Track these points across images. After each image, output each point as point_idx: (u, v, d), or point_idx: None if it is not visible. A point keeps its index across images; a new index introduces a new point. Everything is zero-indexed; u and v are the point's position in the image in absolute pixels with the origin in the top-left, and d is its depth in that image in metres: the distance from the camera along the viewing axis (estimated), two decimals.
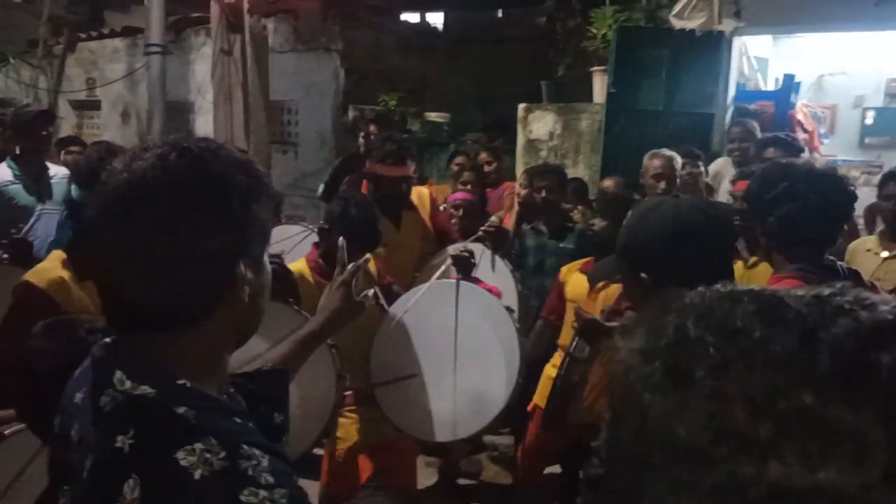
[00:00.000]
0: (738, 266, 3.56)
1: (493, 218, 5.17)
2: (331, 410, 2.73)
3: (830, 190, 2.12)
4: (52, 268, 2.46)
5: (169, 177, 1.02)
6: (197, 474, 0.95)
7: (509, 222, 5.27)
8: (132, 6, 10.38)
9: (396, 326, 3.03)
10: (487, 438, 4.76)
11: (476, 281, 3.15)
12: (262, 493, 0.96)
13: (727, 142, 5.41)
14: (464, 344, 2.95)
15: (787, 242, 2.13)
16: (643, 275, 1.52)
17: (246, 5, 6.43)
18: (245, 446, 1.00)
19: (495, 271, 3.56)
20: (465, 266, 3.15)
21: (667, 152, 4.36)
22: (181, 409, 1.00)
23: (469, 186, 5.08)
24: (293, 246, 3.81)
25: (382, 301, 3.17)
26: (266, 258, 1.14)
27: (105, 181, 1.05)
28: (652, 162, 4.34)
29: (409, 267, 3.75)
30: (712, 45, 5.94)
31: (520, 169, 6.55)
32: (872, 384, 0.47)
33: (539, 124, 6.75)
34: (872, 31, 6.27)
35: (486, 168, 6.09)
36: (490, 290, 3.07)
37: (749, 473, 0.47)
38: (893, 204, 3.73)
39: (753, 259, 3.39)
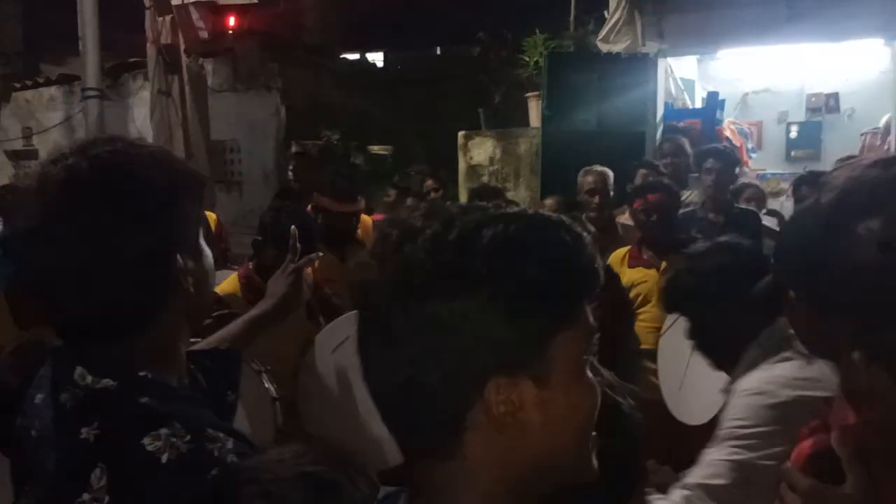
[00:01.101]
0: None
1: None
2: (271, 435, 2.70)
3: None
4: None
5: (84, 188, 1.02)
6: (164, 458, 0.97)
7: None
8: (68, 57, 10.31)
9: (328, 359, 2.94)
10: None
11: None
12: (231, 458, 0.99)
13: (659, 157, 5.60)
14: None
15: None
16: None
17: (182, 45, 6.47)
18: (210, 430, 1.02)
19: None
20: (328, 309, 3.13)
21: (599, 168, 4.50)
22: (144, 399, 1.01)
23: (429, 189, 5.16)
24: None
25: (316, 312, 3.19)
26: (203, 243, 1.15)
27: (20, 197, 1.06)
28: (585, 178, 4.46)
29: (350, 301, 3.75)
30: (639, 67, 6.19)
31: (462, 195, 6.68)
32: (478, 246, 0.73)
33: (479, 150, 6.90)
34: (787, 45, 6.58)
35: (434, 195, 6.21)
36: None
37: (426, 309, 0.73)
38: None
39: None
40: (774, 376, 1.76)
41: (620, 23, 6.13)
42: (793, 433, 1.25)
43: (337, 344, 2.93)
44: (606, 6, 6.38)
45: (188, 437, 0.99)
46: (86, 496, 0.96)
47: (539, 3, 7.49)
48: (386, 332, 0.75)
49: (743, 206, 4.73)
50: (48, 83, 9.58)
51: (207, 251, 1.17)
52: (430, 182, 6.35)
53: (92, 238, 1.01)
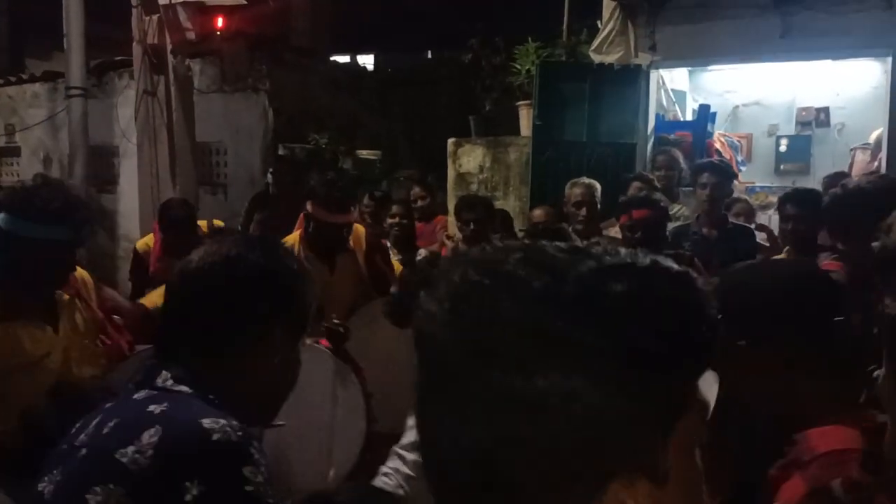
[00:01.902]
0: None
1: (422, 251, 5.21)
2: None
3: None
4: None
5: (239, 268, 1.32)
6: (215, 436, 1.09)
7: (445, 255, 5.31)
8: (54, 53, 10.17)
9: None
10: None
11: (346, 356, 3.01)
12: (260, 478, 1.10)
13: (653, 170, 5.56)
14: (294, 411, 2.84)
15: None
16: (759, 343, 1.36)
17: (169, 46, 6.37)
18: (257, 442, 1.16)
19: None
20: (333, 338, 3.01)
21: (586, 180, 4.46)
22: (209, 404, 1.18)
23: (397, 219, 5.08)
24: None
25: None
26: (299, 352, 1.35)
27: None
28: (573, 191, 4.42)
29: (340, 311, 3.66)
30: (630, 78, 6.16)
31: (451, 202, 6.61)
32: (605, 306, 0.60)
33: (468, 158, 6.84)
34: (780, 62, 6.59)
35: (420, 202, 6.14)
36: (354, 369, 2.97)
37: (516, 384, 0.59)
38: (792, 225, 3.87)
39: None
40: None
41: (613, 33, 6.10)
42: None
43: None
44: (600, 16, 6.36)
45: (240, 433, 1.12)
46: (130, 448, 1.07)
47: (532, 10, 7.45)
48: (460, 407, 0.61)
49: (733, 220, 4.69)
50: (32, 80, 9.44)
51: (299, 362, 1.36)
52: (416, 189, 6.28)
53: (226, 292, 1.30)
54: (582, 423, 0.58)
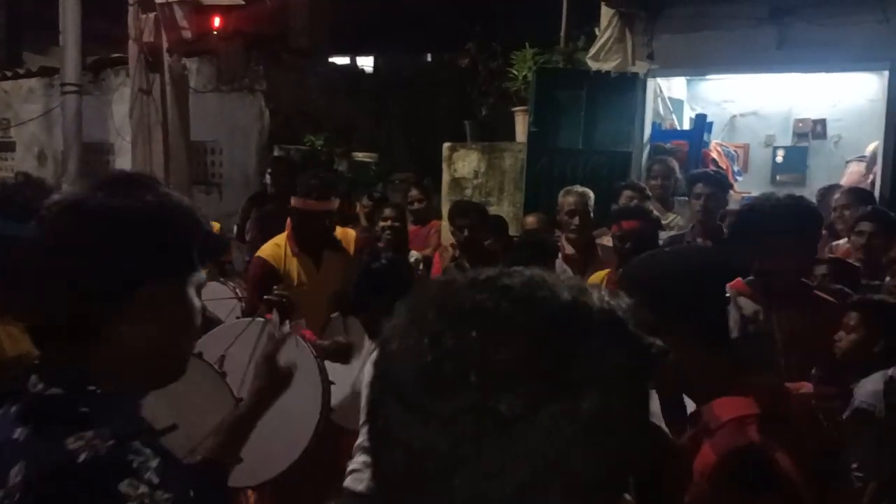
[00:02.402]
0: None
1: (415, 253, 5.19)
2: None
3: None
4: None
5: (80, 205, 1.09)
6: (81, 457, 0.97)
7: (438, 259, 5.29)
8: (51, 47, 10.15)
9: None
10: None
11: (295, 325, 3.10)
12: (143, 488, 0.98)
13: (648, 178, 5.54)
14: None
15: None
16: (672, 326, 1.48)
17: (165, 45, 6.35)
18: (137, 442, 1.02)
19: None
20: (278, 308, 3.03)
21: (579, 189, 4.43)
22: (84, 409, 1.04)
23: (389, 222, 5.08)
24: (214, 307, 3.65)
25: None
26: (191, 292, 1.16)
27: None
28: (566, 199, 4.38)
29: (323, 307, 3.66)
30: (627, 87, 6.14)
31: (445, 207, 6.59)
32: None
33: (463, 163, 6.82)
34: (777, 73, 6.58)
35: (417, 205, 6.13)
36: (302, 335, 3.01)
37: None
38: None
39: None
40: None
41: (611, 41, 6.08)
42: None
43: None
44: (598, 23, 6.34)
45: (111, 443, 1.00)
46: (0, 493, 0.97)
47: (531, 17, 7.44)
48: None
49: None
50: (28, 75, 9.41)
51: (196, 305, 1.17)
52: (414, 192, 6.27)
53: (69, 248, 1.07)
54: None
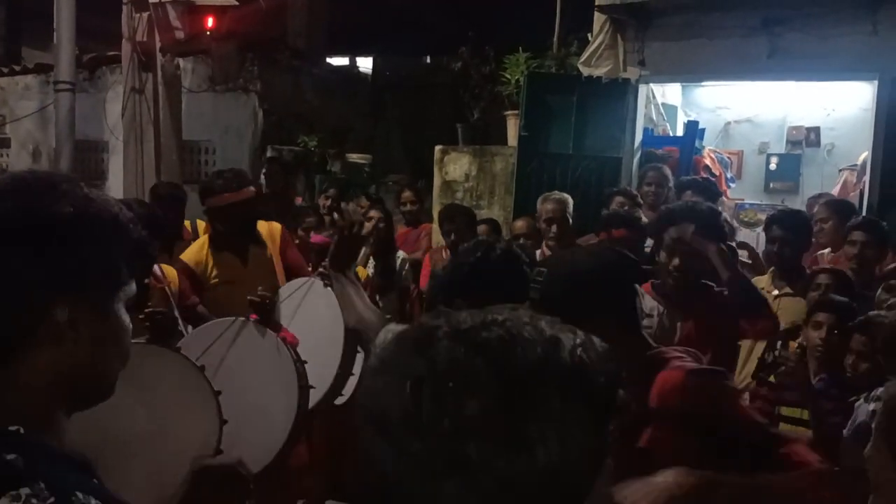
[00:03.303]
0: None
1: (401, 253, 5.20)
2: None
3: None
4: None
5: None
6: None
7: (428, 262, 5.29)
8: (50, 43, 10.15)
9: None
10: None
11: (276, 326, 3.10)
12: None
13: (642, 185, 5.52)
14: (236, 386, 2.86)
15: None
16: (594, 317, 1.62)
17: (158, 44, 6.36)
18: (79, 494, 0.93)
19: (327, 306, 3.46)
20: (261, 310, 3.09)
21: (557, 195, 4.39)
22: (10, 456, 0.93)
23: (375, 223, 5.10)
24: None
25: (181, 326, 3.14)
26: (119, 308, 1.05)
27: None
28: (544, 206, 4.34)
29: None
30: (619, 92, 6.14)
31: (436, 210, 6.59)
32: None
33: (455, 166, 6.82)
34: (767, 82, 6.59)
35: (410, 206, 6.14)
36: (283, 338, 3.03)
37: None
38: (777, 247, 3.86)
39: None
40: None
41: (602, 47, 6.09)
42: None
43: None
44: (591, 29, 6.34)
45: (52, 500, 0.90)
46: None
47: (524, 21, 7.44)
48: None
49: None
50: (24, 72, 9.42)
51: (123, 321, 1.06)
52: (407, 193, 6.29)
53: None
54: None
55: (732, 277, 2.99)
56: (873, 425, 1.21)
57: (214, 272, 3.70)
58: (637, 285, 1.86)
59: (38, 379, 0.99)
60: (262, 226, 3.90)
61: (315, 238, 4.59)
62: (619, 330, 1.61)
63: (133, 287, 1.08)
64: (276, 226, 4.00)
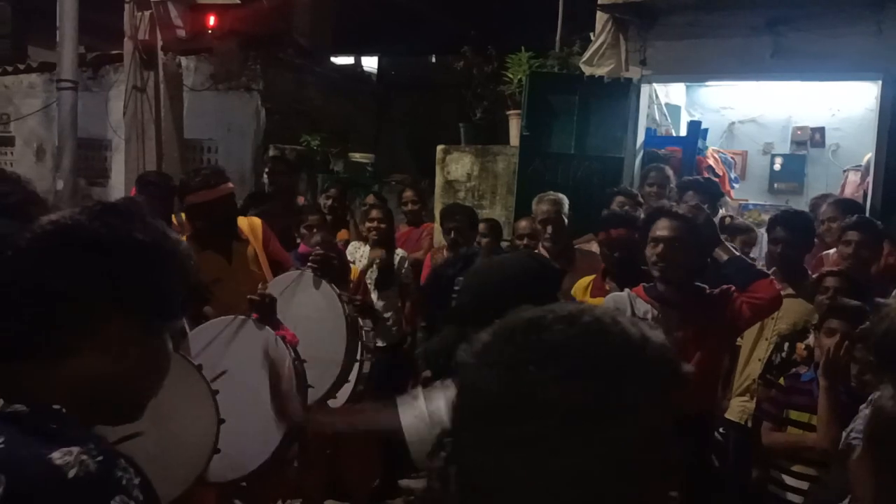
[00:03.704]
0: None
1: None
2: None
3: None
4: None
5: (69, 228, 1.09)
6: (71, 473, 0.94)
7: (429, 262, 5.28)
8: (55, 42, 10.18)
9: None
10: (403, 482, 4.66)
11: (276, 324, 3.09)
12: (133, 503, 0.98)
13: (644, 185, 5.49)
14: (235, 384, 2.84)
15: None
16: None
17: (159, 42, 6.36)
18: (122, 459, 1.01)
19: (322, 296, 3.49)
20: (261, 308, 3.07)
21: (552, 196, 4.34)
22: (54, 425, 1.01)
23: (375, 223, 5.10)
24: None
25: (185, 324, 3.12)
26: (167, 338, 1.15)
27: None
28: (539, 207, 4.30)
29: (243, 300, 3.64)
30: (621, 92, 6.11)
31: (438, 209, 6.58)
32: None
33: (457, 165, 6.81)
34: (771, 81, 6.55)
35: (411, 206, 6.14)
36: (283, 336, 3.01)
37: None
38: (780, 248, 3.83)
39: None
40: None
41: (605, 46, 6.06)
42: None
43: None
44: (594, 28, 6.31)
45: (100, 458, 0.98)
46: None
47: (527, 21, 7.42)
48: None
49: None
50: (28, 70, 9.44)
51: (167, 349, 1.16)
52: (409, 193, 6.30)
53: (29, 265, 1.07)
54: None
55: (733, 258, 3.07)
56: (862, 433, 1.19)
57: (199, 271, 3.66)
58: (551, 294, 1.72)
59: (79, 381, 1.07)
60: (242, 221, 3.89)
61: (302, 249, 4.56)
62: None
63: (180, 323, 1.16)
64: (256, 220, 3.98)
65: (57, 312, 1.05)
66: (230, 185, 3.76)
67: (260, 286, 3.20)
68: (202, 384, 2.61)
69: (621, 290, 3.66)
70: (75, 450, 0.97)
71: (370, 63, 11.68)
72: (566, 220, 4.26)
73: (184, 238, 3.81)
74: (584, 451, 0.72)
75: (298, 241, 4.63)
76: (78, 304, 1.06)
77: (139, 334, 1.09)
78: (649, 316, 2.89)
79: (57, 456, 0.95)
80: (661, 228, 2.96)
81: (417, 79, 10.38)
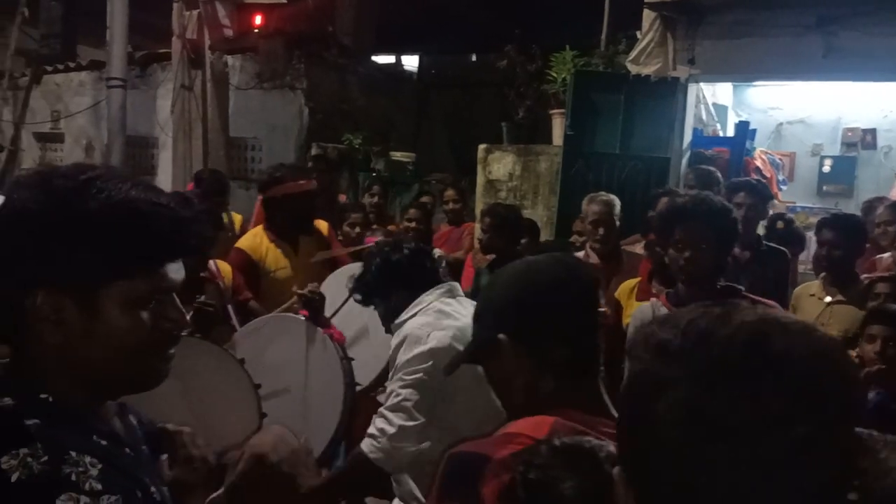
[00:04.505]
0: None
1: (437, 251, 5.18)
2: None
3: None
4: None
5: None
6: (14, 477, 0.95)
7: (470, 262, 5.27)
8: (104, 41, 10.37)
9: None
10: None
11: (325, 322, 3.09)
12: (84, 499, 0.97)
13: (685, 187, 5.41)
14: (282, 383, 2.89)
15: None
16: (501, 336, 1.39)
17: (207, 42, 6.44)
18: (73, 453, 1.00)
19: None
20: (310, 306, 3.07)
21: (604, 197, 4.25)
22: (31, 421, 1.01)
23: (413, 223, 5.10)
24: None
25: (234, 321, 3.14)
26: (113, 304, 1.05)
27: None
28: (590, 207, 4.19)
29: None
30: (668, 91, 6.02)
31: (479, 209, 6.56)
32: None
33: (498, 165, 6.78)
34: (822, 82, 6.41)
35: (452, 205, 6.13)
36: (331, 335, 3.02)
37: None
38: (827, 251, 3.74)
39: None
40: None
41: (652, 45, 5.97)
42: None
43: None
44: (640, 27, 6.23)
45: (44, 459, 0.98)
46: None
47: (571, 19, 7.36)
48: None
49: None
50: (79, 68, 9.64)
51: (123, 320, 1.06)
52: (449, 192, 6.29)
53: None
54: None
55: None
56: None
57: (269, 259, 3.82)
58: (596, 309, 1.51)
59: (42, 362, 1.05)
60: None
61: (368, 240, 4.70)
62: (531, 354, 1.37)
63: (156, 282, 1.07)
64: (323, 222, 4.15)
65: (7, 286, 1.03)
66: (313, 182, 3.93)
67: (310, 285, 3.23)
68: (244, 378, 2.63)
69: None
70: (22, 452, 0.97)
71: (409, 62, 11.72)
72: (618, 222, 4.19)
73: (253, 232, 3.92)
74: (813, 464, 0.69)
75: (340, 238, 4.69)
76: (17, 282, 1.02)
77: (70, 305, 1.02)
78: None
79: (5, 460, 0.96)
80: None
81: (457, 78, 10.39)
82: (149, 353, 1.10)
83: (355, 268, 3.56)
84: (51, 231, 1.02)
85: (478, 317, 1.49)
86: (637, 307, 3.10)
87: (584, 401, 1.36)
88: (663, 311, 2.77)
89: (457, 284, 2.91)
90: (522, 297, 1.41)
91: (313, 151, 7.76)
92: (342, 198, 6.78)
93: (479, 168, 6.87)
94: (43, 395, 1.04)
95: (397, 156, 8.30)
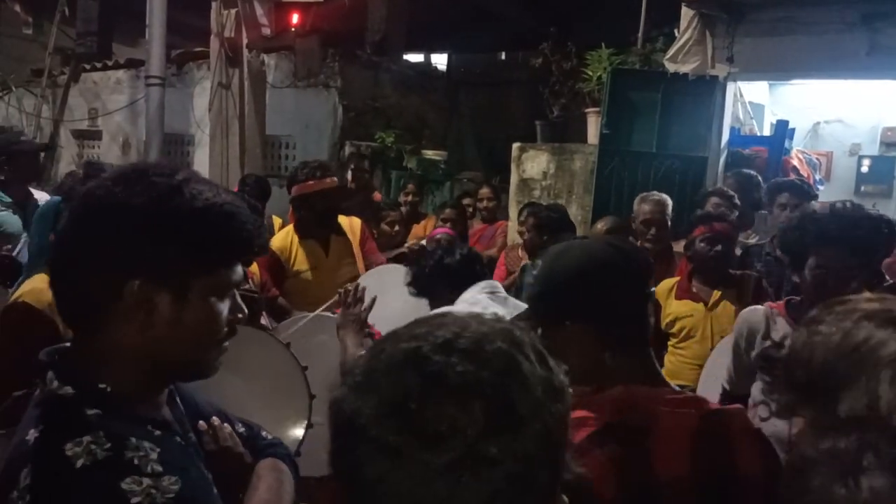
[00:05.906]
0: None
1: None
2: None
3: None
4: (45, 289, 2.40)
5: (90, 196, 1.12)
6: (78, 463, 1.00)
7: (503, 260, 5.26)
8: (140, 39, 10.50)
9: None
10: None
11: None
12: (146, 480, 1.02)
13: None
14: (317, 383, 2.79)
15: None
16: (567, 322, 1.43)
17: (244, 41, 6.50)
18: (133, 439, 1.05)
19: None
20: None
21: (657, 196, 4.21)
22: (91, 411, 1.06)
23: (449, 224, 5.10)
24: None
25: (265, 318, 3.17)
26: (203, 296, 1.12)
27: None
28: (642, 207, 4.16)
29: (333, 292, 3.70)
30: (705, 90, 5.96)
31: (513, 207, 6.56)
32: None
33: (532, 164, 6.76)
34: (865, 80, 6.31)
35: (487, 203, 6.15)
36: (371, 334, 3.03)
37: None
38: None
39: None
40: None
41: (690, 43, 5.92)
42: None
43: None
44: (677, 24, 6.18)
45: (107, 445, 1.03)
46: (14, 494, 1.00)
47: (608, 16, 7.31)
48: None
49: None
50: (116, 67, 9.77)
51: (211, 308, 1.14)
52: (484, 190, 6.33)
53: (75, 235, 1.12)
54: None
55: None
56: None
57: (298, 259, 3.86)
58: (649, 289, 1.55)
59: (118, 350, 1.10)
60: (343, 220, 4.04)
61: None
62: (594, 337, 1.41)
63: (231, 278, 1.16)
64: (356, 220, 4.16)
65: (79, 284, 1.09)
66: (334, 179, 3.93)
67: (348, 285, 3.24)
68: (292, 361, 2.66)
69: (711, 290, 3.58)
70: (86, 439, 1.02)
71: (439, 60, 11.73)
72: (669, 222, 4.16)
73: (284, 231, 3.96)
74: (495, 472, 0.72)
75: (375, 236, 4.72)
76: (94, 275, 1.08)
77: (162, 296, 1.09)
78: (787, 342, 2.16)
79: (69, 447, 1.01)
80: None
81: (486, 76, 10.38)
82: (220, 342, 1.18)
83: (391, 268, 3.60)
84: (155, 225, 1.08)
85: (541, 295, 1.53)
86: (747, 309, 2.76)
87: (643, 375, 1.44)
88: (781, 322, 2.53)
89: (497, 283, 2.91)
90: (585, 278, 1.46)
91: (347, 149, 7.79)
92: (377, 196, 6.81)
93: (513, 166, 6.86)
94: (101, 385, 1.09)
95: (429, 154, 8.31)
